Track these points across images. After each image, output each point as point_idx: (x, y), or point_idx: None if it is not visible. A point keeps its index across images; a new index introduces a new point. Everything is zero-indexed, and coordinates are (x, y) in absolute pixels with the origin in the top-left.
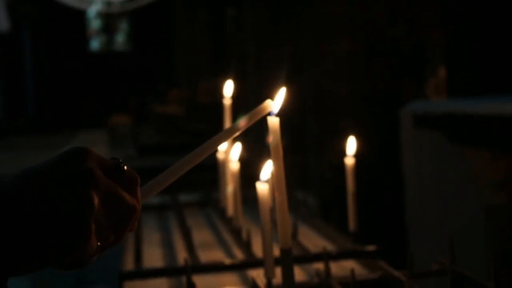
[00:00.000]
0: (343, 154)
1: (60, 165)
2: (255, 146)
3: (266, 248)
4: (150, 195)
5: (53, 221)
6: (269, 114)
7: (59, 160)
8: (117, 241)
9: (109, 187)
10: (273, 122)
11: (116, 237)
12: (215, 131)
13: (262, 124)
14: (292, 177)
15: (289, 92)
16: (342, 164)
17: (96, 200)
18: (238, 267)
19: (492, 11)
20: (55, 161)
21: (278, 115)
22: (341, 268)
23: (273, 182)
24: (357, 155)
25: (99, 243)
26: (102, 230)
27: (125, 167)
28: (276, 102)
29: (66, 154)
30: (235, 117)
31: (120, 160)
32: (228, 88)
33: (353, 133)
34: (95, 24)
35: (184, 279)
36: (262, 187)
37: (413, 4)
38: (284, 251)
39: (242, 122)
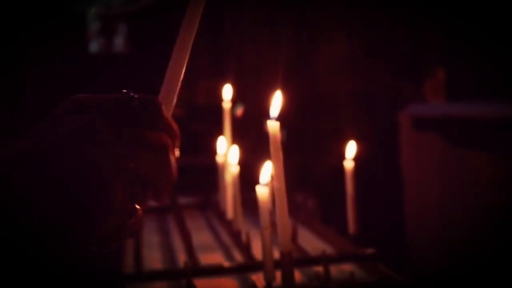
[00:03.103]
0: (341, 155)
1: (50, 130)
2: (254, 148)
3: (266, 251)
4: (172, 106)
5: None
6: (269, 117)
7: (49, 124)
8: (161, 193)
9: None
10: (273, 126)
11: (158, 187)
12: (213, 132)
13: (260, 127)
14: (290, 179)
15: (285, 94)
16: (340, 166)
17: (117, 159)
18: (238, 270)
19: (492, 13)
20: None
21: (277, 119)
22: (341, 271)
23: (273, 185)
24: (355, 157)
25: (134, 205)
26: (133, 186)
27: (135, 97)
28: (274, 106)
29: (54, 117)
30: (234, 119)
31: (125, 90)
32: (227, 91)
33: (351, 135)
34: (93, 26)
35: (184, 282)
36: (262, 191)
37: (411, 3)
38: (284, 255)
39: None
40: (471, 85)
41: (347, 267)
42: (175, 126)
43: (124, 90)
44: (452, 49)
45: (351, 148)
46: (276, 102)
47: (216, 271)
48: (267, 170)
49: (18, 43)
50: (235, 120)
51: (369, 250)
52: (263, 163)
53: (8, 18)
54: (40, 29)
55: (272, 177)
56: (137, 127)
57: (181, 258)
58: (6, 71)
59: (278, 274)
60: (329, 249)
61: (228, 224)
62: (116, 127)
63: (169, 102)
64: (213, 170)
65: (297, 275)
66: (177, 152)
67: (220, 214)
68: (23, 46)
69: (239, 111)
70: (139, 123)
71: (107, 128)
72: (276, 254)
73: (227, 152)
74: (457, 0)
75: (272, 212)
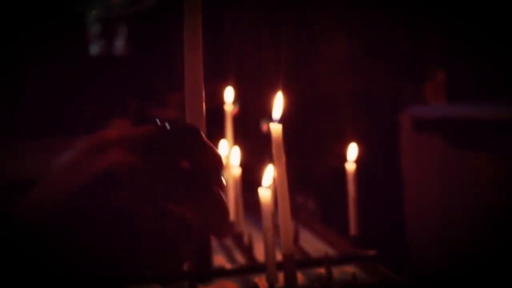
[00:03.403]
0: (341, 156)
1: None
2: (256, 150)
3: (268, 253)
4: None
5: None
6: (269, 119)
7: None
8: (217, 233)
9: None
10: (276, 128)
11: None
12: (215, 135)
13: (261, 128)
14: (292, 180)
15: (286, 95)
16: (340, 166)
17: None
18: (240, 272)
19: (492, 13)
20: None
21: (280, 121)
22: (342, 272)
23: (276, 188)
24: (357, 159)
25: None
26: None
27: (169, 128)
28: (276, 108)
29: (80, 154)
30: (236, 122)
31: (158, 122)
32: (229, 94)
33: (351, 136)
34: (94, 28)
35: (186, 284)
36: (264, 193)
37: (411, 4)
38: (287, 257)
39: None
40: (472, 86)
41: (348, 269)
42: (218, 153)
43: (157, 120)
44: (452, 50)
45: (352, 150)
46: (278, 104)
47: (218, 273)
48: (269, 173)
49: (18, 43)
50: (236, 122)
51: (371, 252)
52: (265, 164)
53: (8, 18)
54: (40, 29)
55: (274, 180)
56: (174, 163)
57: None
58: (6, 71)
59: (281, 276)
60: (330, 251)
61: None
62: (149, 165)
63: (200, 123)
64: None
65: (299, 277)
66: (223, 183)
67: None
68: (23, 46)
69: (235, 110)
70: (177, 157)
71: (138, 167)
72: (278, 256)
73: (229, 154)
74: (457, 0)
75: (274, 214)
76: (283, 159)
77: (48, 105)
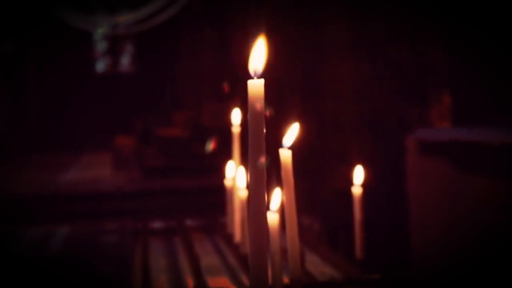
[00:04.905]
0: (348, 178)
1: None
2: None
3: (275, 276)
4: None
5: None
6: (281, 146)
7: None
8: None
9: None
10: (285, 155)
11: None
12: (219, 154)
13: (267, 149)
14: (298, 203)
15: (299, 125)
16: (345, 189)
17: None
18: None
19: (497, 38)
20: None
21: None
22: None
23: (284, 211)
24: (362, 182)
25: None
26: None
27: None
28: (289, 136)
29: None
30: (243, 143)
31: None
32: (236, 115)
33: (357, 159)
34: (100, 46)
35: None
36: (272, 217)
37: (417, 28)
38: (294, 281)
39: None
40: (478, 109)
41: None
42: None
43: None
44: (458, 72)
45: (358, 174)
46: (293, 133)
47: None
48: (277, 197)
49: (18, 43)
50: (243, 143)
51: (376, 275)
52: (271, 187)
53: (9, 18)
54: (47, 46)
55: (282, 203)
56: None
57: (189, 281)
58: (6, 71)
59: None
60: (336, 274)
61: (235, 248)
62: None
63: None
64: (220, 192)
65: None
66: None
67: (228, 237)
68: (23, 46)
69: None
70: None
71: None
72: (284, 279)
73: (236, 176)
74: (465, 24)
75: (282, 237)
76: (292, 184)
77: (54, 120)
